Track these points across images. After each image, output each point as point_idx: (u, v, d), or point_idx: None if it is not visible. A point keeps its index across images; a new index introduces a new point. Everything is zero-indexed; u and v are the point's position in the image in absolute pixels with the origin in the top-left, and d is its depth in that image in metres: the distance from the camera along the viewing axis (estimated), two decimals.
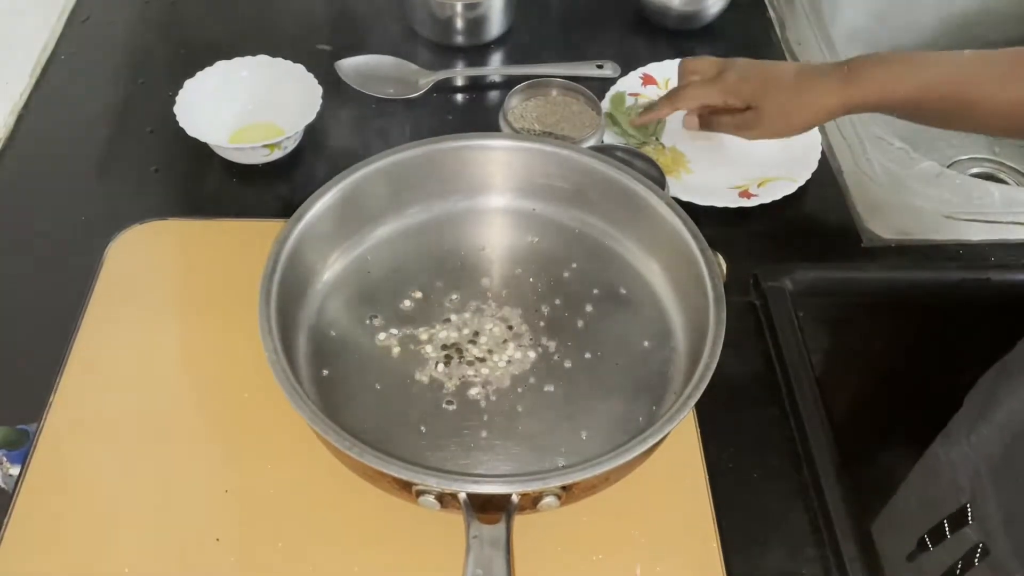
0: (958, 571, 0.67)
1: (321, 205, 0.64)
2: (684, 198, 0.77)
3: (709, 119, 0.80)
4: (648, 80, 0.91)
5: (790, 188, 0.80)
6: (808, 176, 0.81)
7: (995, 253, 0.78)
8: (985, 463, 0.65)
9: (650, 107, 0.83)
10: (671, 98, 0.80)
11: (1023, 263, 0.78)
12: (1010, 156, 1.10)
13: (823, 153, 0.84)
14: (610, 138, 0.85)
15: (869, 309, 0.81)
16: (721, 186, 0.81)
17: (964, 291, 0.77)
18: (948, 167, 0.98)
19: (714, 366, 0.56)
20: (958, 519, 0.67)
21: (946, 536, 0.67)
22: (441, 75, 0.91)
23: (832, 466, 0.63)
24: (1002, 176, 1.09)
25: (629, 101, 0.88)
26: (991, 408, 0.66)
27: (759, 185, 0.81)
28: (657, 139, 0.85)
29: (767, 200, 0.79)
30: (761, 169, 0.83)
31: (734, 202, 0.79)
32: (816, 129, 0.85)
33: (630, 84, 0.90)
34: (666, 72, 0.91)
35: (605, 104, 0.87)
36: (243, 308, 0.60)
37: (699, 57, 0.80)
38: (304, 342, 0.63)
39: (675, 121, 0.87)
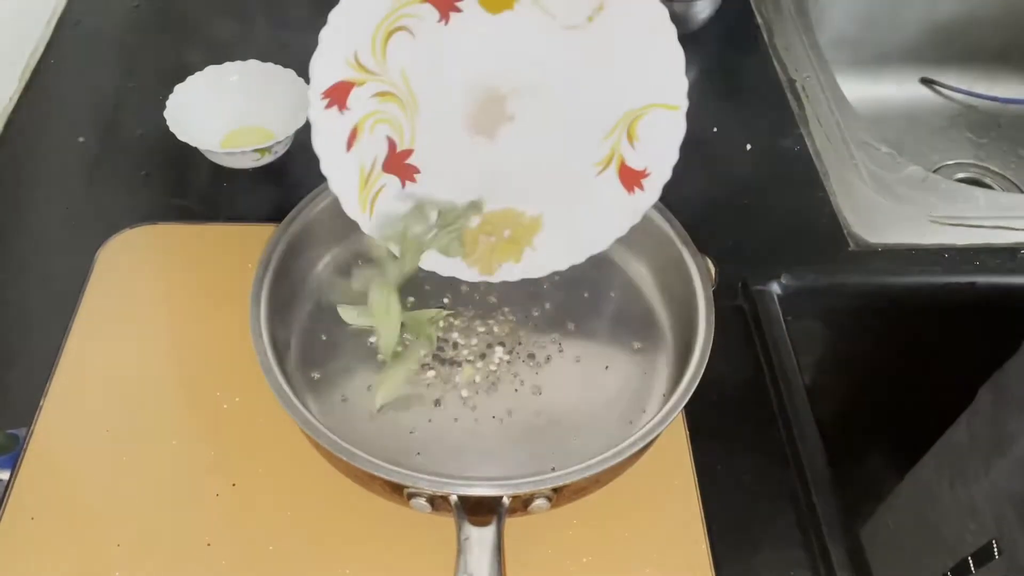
0: None
1: (312, 209, 0.65)
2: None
3: None
4: None
5: (675, 117, 0.59)
6: (683, 97, 0.59)
7: (980, 257, 0.79)
8: (1010, 500, 0.66)
9: None
10: None
11: (1007, 267, 0.79)
12: (995, 161, 1.11)
13: (812, 159, 0.84)
14: None
15: (856, 313, 0.81)
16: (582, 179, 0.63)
17: (949, 295, 0.78)
18: (934, 172, 0.99)
19: (703, 369, 0.57)
20: (983, 555, 0.67)
21: (971, 572, 0.68)
22: None
23: (821, 469, 0.64)
24: (987, 181, 1.10)
25: None
26: (1005, 443, 0.66)
27: (630, 140, 0.60)
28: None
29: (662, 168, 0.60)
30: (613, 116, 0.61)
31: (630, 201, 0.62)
32: (670, 41, 0.62)
33: None
34: None
35: None
36: (234, 312, 0.60)
37: None
38: (295, 345, 0.63)
39: None
